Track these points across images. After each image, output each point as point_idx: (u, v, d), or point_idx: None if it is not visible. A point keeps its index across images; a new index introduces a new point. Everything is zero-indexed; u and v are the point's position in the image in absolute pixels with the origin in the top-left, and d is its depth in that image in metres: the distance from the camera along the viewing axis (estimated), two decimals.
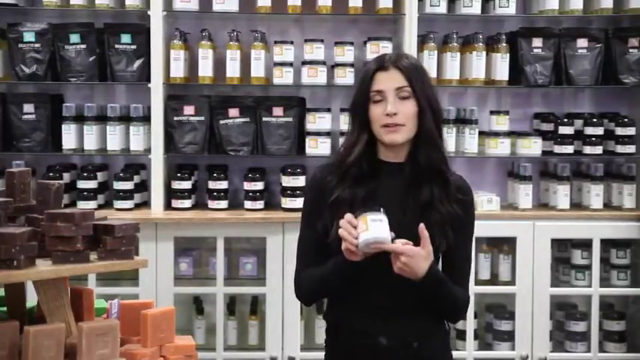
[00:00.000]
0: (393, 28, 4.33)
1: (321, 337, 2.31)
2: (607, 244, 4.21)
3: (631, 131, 4.19)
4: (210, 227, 4.02)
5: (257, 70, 4.11)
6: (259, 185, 4.12)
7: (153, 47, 4.04)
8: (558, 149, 4.20)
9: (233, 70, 4.13)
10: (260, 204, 4.11)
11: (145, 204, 4.25)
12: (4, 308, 1.94)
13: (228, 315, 4.20)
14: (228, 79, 4.14)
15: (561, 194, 4.19)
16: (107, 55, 4.13)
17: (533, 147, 4.21)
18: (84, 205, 3.99)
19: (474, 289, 4.03)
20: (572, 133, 4.20)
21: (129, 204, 4.08)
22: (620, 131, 4.19)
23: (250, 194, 4.11)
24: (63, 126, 4.11)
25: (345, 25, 4.40)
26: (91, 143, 4.12)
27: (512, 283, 4.12)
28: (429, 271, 2.10)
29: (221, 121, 4.15)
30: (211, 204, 4.12)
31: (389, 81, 2.18)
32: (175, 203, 4.10)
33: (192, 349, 1.99)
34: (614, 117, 4.28)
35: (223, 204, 4.12)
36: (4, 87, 4.25)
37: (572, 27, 4.29)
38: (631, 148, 4.19)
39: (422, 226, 2.08)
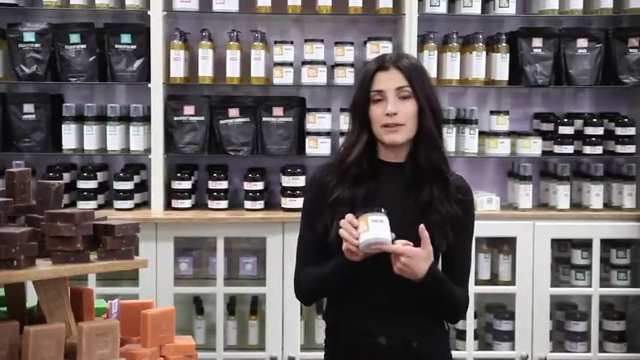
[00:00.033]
0: (393, 28, 4.33)
1: (321, 337, 2.31)
2: (607, 244, 4.21)
3: (631, 131, 4.19)
4: (210, 227, 4.02)
5: (257, 70, 4.11)
6: (259, 185, 4.12)
7: (153, 47, 4.04)
8: (558, 149, 4.20)
9: (233, 70, 4.13)
10: (260, 204, 4.11)
11: (145, 204, 4.25)
12: (4, 308, 1.94)
13: (228, 315, 4.20)
14: (228, 79, 4.14)
15: (561, 194, 4.19)
16: (107, 55, 4.13)
17: (533, 147, 4.21)
18: (84, 205, 3.99)
19: (473, 289, 4.03)
20: (572, 133, 4.20)
21: (129, 204, 4.08)
22: (620, 131, 4.19)
23: (250, 194, 4.11)
24: (63, 126, 4.11)
25: (345, 25, 4.40)
26: (91, 143, 4.12)
27: (512, 283, 4.12)
28: (429, 272, 2.10)
29: (221, 121, 4.15)
30: (211, 204, 4.12)
31: (389, 81, 2.18)
32: (175, 203, 4.10)
33: (192, 349, 1.99)
34: (614, 117, 4.28)
35: (223, 204, 4.12)
36: (4, 87, 4.25)
37: (572, 27, 4.29)
38: (631, 148, 4.19)
39: (422, 226, 2.08)
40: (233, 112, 4.15)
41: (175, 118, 4.12)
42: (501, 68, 4.18)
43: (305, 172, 4.11)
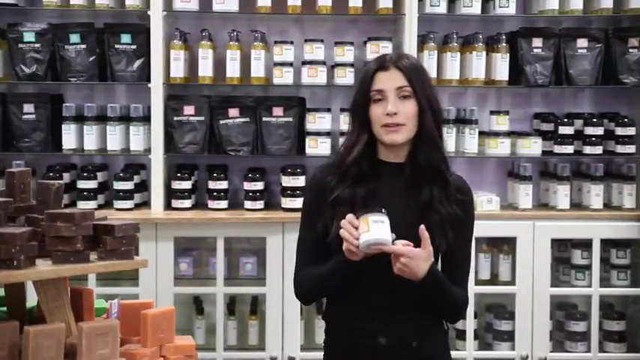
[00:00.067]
0: (393, 28, 4.33)
1: (321, 337, 2.31)
2: (607, 244, 4.21)
3: (631, 131, 4.19)
4: (210, 227, 4.02)
5: (257, 70, 4.11)
6: (259, 185, 4.12)
7: (153, 47, 4.04)
8: (558, 149, 4.20)
9: (233, 70, 4.13)
10: (260, 204, 4.11)
11: (145, 204, 4.25)
12: (4, 308, 1.94)
13: (228, 315, 4.20)
14: (228, 79, 4.14)
15: (561, 194, 4.19)
16: (107, 55, 4.13)
17: (533, 147, 4.21)
18: (84, 205, 3.99)
19: (473, 289, 4.04)
20: (572, 133, 4.20)
21: (129, 204, 4.08)
22: (620, 131, 4.19)
23: (250, 194, 4.11)
24: (63, 126, 4.11)
25: (345, 25, 4.40)
26: (91, 143, 4.12)
27: (512, 283, 4.12)
28: (429, 272, 2.10)
29: (221, 121, 4.15)
30: (211, 204, 4.12)
31: (389, 81, 2.19)
32: (175, 203, 4.10)
33: (192, 349, 1.99)
34: (614, 117, 4.28)
35: (223, 204, 4.12)
36: (4, 87, 4.25)
37: (572, 27, 4.29)
38: (631, 148, 4.19)
39: (422, 227, 2.08)
40: (233, 112, 4.15)
41: (175, 118, 4.12)
42: (501, 68, 4.18)
43: (305, 172, 4.11)
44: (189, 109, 4.13)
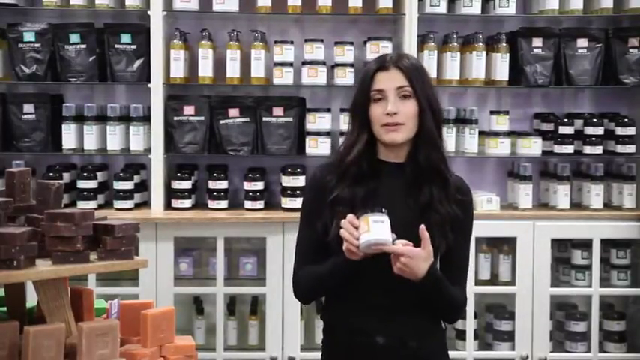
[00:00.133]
0: (393, 28, 4.33)
1: (321, 337, 2.31)
2: (607, 244, 4.21)
3: (631, 131, 4.19)
4: (210, 227, 4.02)
5: (257, 70, 4.11)
6: (259, 185, 4.12)
7: (153, 47, 4.04)
8: (558, 149, 4.20)
9: (233, 70, 4.13)
10: (260, 204, 4.11)
11: (145, 204, 4.25)
12: (4, 308, 1.94)
13: (228, 315, 4.20)
14: (228, 79, 4.14)
15: (561, 194, 4.19)
16: (107, 55, 4.13)
17: (533, 147, 4.21)
18: (84, 205, 3.99)
19: (473, 289, 4.04)
20: (572, 133, 4.20)
21: (129, 204, 4.08)
22: (620, 131, 4.19)
23: (250, 194, 4.11)
24: (63, 126, 4.11)
25: (345, 25, 4.40)
26: (91, 143, 4.12)
27: (512, 283, 4.12)
28: (429, 272, 2.10)
29: (221, 121, 4.15)
30: (211, 204, 4.12)
31: (390, 80, 2.19)
32: (175, 203, 4.10)
33: (192, 349, 1.99)
34: (614, 117, 4.28)
35: (223, 204, 4.12)
36: (4, 87, 4.25)
37: (572, 27, 4.29)
38: (631, 148, 4.19)
39: (422, 227, 2.09)
40: (233, 112, 4.15)
41: (175, 118, 4.12)
42: (501, 68, 4.18)
43: (305, 172, 4.11)
44: (189, 109, 4.13)
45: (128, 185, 4.09)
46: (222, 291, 4.01)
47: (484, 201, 4.11)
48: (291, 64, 4.11)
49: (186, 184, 4.11)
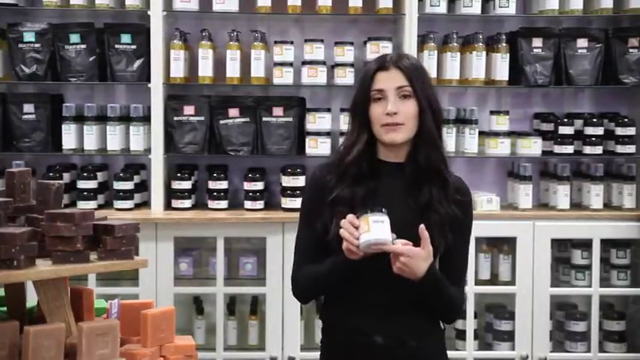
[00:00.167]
0: (393, 28, 4.33)
1: (320, 337, 2.32)
2: (607, 244, 4.21)
3: (631, 131, 4.19)
4: (210, 227, 4.02)
5: (257, 70, 4.11)
6: (259, 185, 4.12)
7: (153, 47, 4.04)
8: (558, 149, 4.20)
9: (233, 70, 4.13)
10: (260, 204, 4.11)
11: (145, 204, 4.25)
12: (4, 308, 1.94)
13: (228, 315, 4.20)
14: (228, 79, 4.14)
15: (561, 194, 4.19)
16: (107, 55, 4.13)
17: (533, 147, 4.21)
18: (84, 205, 3.99)
19: (473, 289, 4.04)
20: (572, 133, 4.20)
21: (129, 204, 4.08)
22: (620, 131, 4.19)
23: (250, 194, 4.11)
24: (63, 126, 4.11)
25: (345, 25, 4.40)
26: (91, 143, 4.12)
27: (512, 283, 4.12)
28: (428, 272, 2.10)
29: (221, 121, 4.15)
30: (211, 204, 4.12)
31: (390, 80, 2.19)
32: (175, 203, 4.10)
33: (192, 349, 1.99)
34: (614, 117, 4.28)
35: (223, 204, 4.12)
36: (4, 87, 4.25)
37: (572, 27, 4.29)
38: (631, 148, 4.19)
39: (422, 226, 2.09)
40: (233, 112, 4.15)
41: (175, 118, 4.12)
42: (501, 68, 4.18)
43: (305, 172, 4.11)
44: (189, 109, 4.13)
45: (128, 185, 4.09)
46: (222, 291, 4.01)
47: (484, 201, 4.11)
48: (291, 64, 4.11)
49: (186, 184, 4.11)
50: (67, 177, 4.12)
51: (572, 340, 4.22)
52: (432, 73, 4.00)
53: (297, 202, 3.96)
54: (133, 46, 4.12)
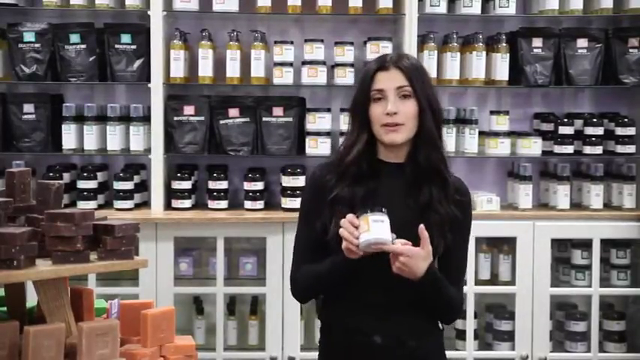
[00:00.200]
0: (393, 28, 4.33)
1: None
2: (607, 244, 4.21)
3: (631, 131, 4.19)
4: (210, 227, 4.02)
5: (257, 70, 4.11)
6: (259, 185, 4.12)
7: (153, 47, 4.04)
8: (558, 149, 4.20)
9: (233, 70, 4.13)
10: (260, 204, 4.11)
11: (145, 204, 4.25)
12: (4, 308, 1.94)
13: (228, 315, 4.20)
14: (228, 79, 4.14)
15: (561, 194, 4.19)
16: (107, 55, 4.13)
17: (533, 147, 4.21)
18: (84, 205, 3.99)
19: (473, 289, 4.04)
20: (572, 133, 4.20)
21: (129, 204, 4.08)
22: (620, 131, 4.19)
23: (250, 194, 4.11)
24: (63, 126, 4.11)
25: (345, 25, 4.40)
26: (91, 143, 4.12)
27: (512, 283, 4.12)
28: (428, 271, 2.10)
29: (221, 121, 4.15)
30: (211, 204, 4.12)
31: (390, 80, 2.19)
32: (175, 203, 4.10)
33: (192, 349, 1.99)
34: (614, 117, 4.28)
35: (223, 204, 4.12)
36: (4, 87, 4.25)
37: (572, 27, 4.30)
38: (631, 148, 4.19)
39: (422, 226, 2.09)
40: (233, 112, 4.15)
41: (175, 118, 4.12)
42: (501, 68, 4.18)
43: (305, 172, 4.11)
44: (189, 109, 4.13)
45: (128, 185, 4.09)
46: (222, 291, 4.01)
47: (484, 201, 4.11)
48: (291, 64, 4.11)
49: (186, 184, 4.12)
50: (67, 177, 4.12)
51: (572, 340, 4.22)
52: (432, 73, 4.00)
53: (297, 202, 3.95)
54: (133, 46, 4.12)
